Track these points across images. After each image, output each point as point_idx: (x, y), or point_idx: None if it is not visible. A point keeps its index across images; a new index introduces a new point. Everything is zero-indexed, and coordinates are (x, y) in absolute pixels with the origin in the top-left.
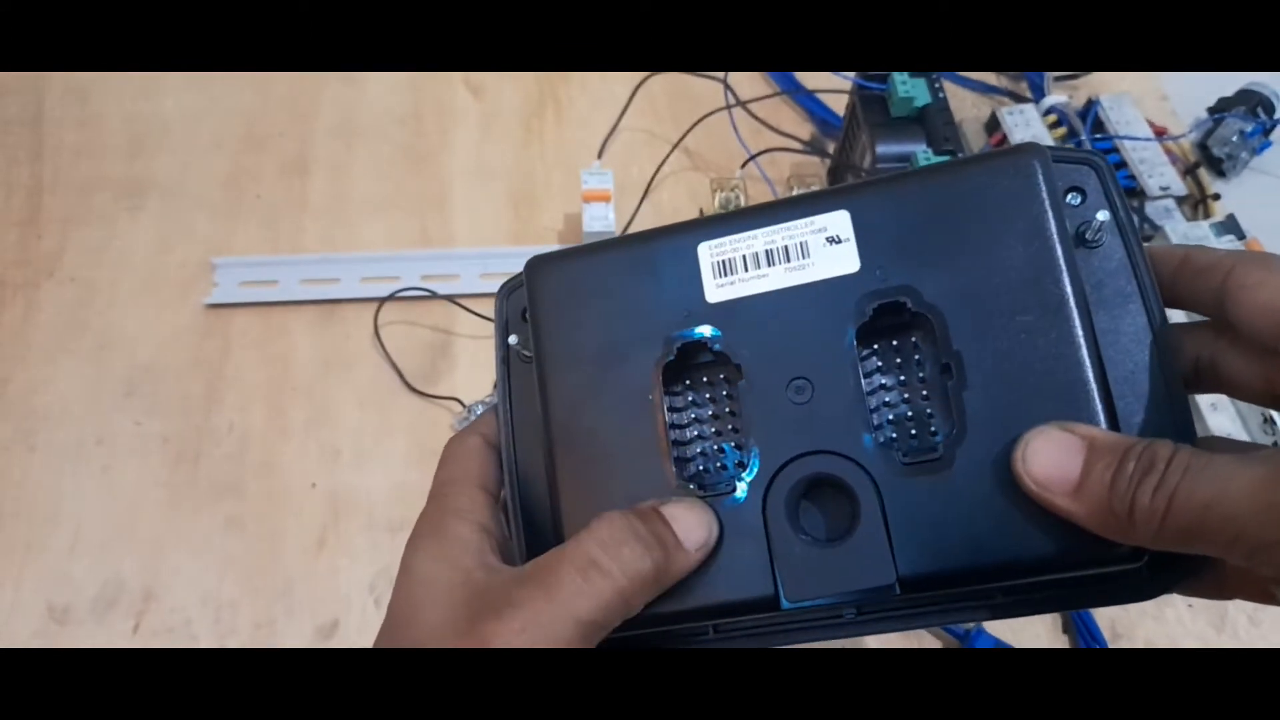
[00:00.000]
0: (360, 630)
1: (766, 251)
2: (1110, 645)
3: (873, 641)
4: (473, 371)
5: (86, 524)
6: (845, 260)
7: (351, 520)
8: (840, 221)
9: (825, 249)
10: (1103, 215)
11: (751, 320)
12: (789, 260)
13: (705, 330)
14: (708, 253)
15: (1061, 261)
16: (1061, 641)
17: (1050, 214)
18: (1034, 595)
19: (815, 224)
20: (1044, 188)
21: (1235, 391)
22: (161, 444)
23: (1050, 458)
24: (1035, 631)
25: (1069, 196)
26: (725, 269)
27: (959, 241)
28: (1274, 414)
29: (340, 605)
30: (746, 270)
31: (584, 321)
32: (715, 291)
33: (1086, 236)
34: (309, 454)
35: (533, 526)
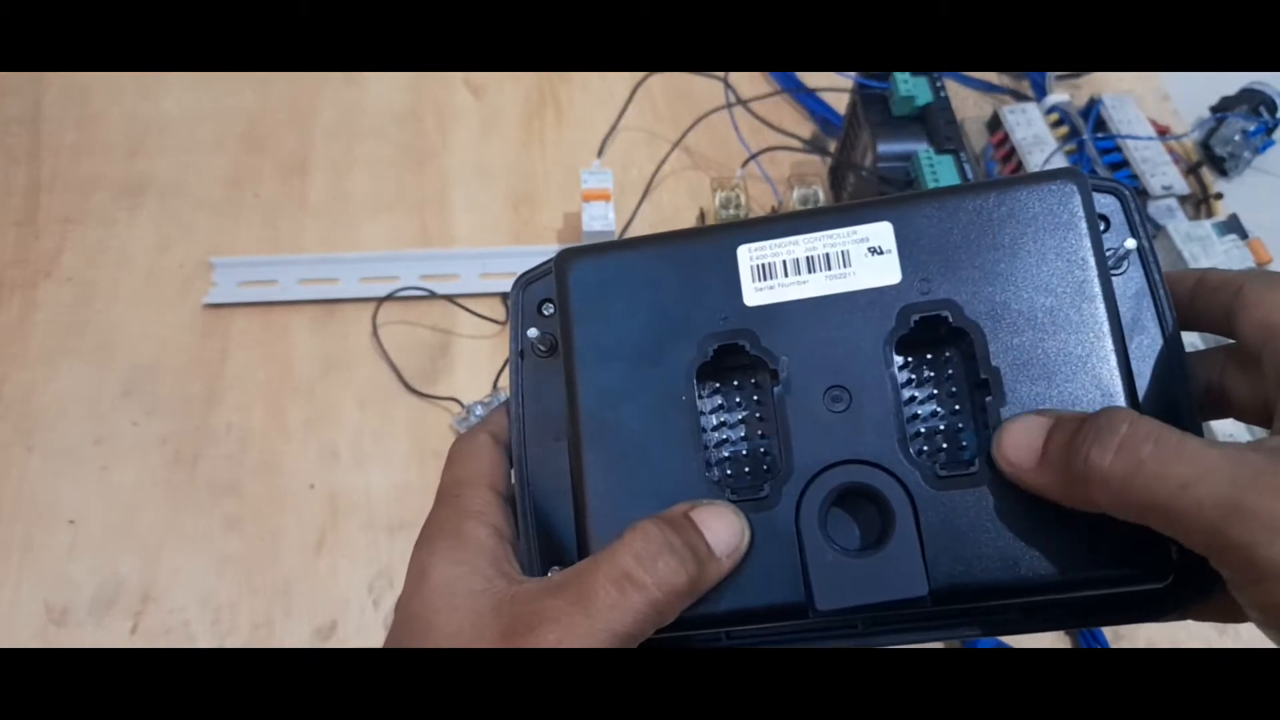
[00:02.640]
0: (359, 631)
1: (808, 258)
2: (1111, 646)
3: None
4: (472, 371)
5: (85, 524)
6: (886, 271)
7: (350, 521)
8: (883, 233)
9: (867, 259)
10: (1130, 243)
11: (790, 326)
12: (829, 268)
13: (742, 333)
14: (747, 255)
15: (1099, 286)
16: (1062, 642)
17: (1090, 239)
18: (1055, 611)
19: (858, 234)
20: (1084, 213)
21: (1238, 413)
22: (160, 444)
23: (1019, 437)
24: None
25: None
26: (765, 273)
27: (1000, 260)
28: None
29: (339, 606)
30: (786, 276)
31: (617, 317)
32: (754, 295)
33: (1110, 263)
34: (308, 454)
35: (544, 526)
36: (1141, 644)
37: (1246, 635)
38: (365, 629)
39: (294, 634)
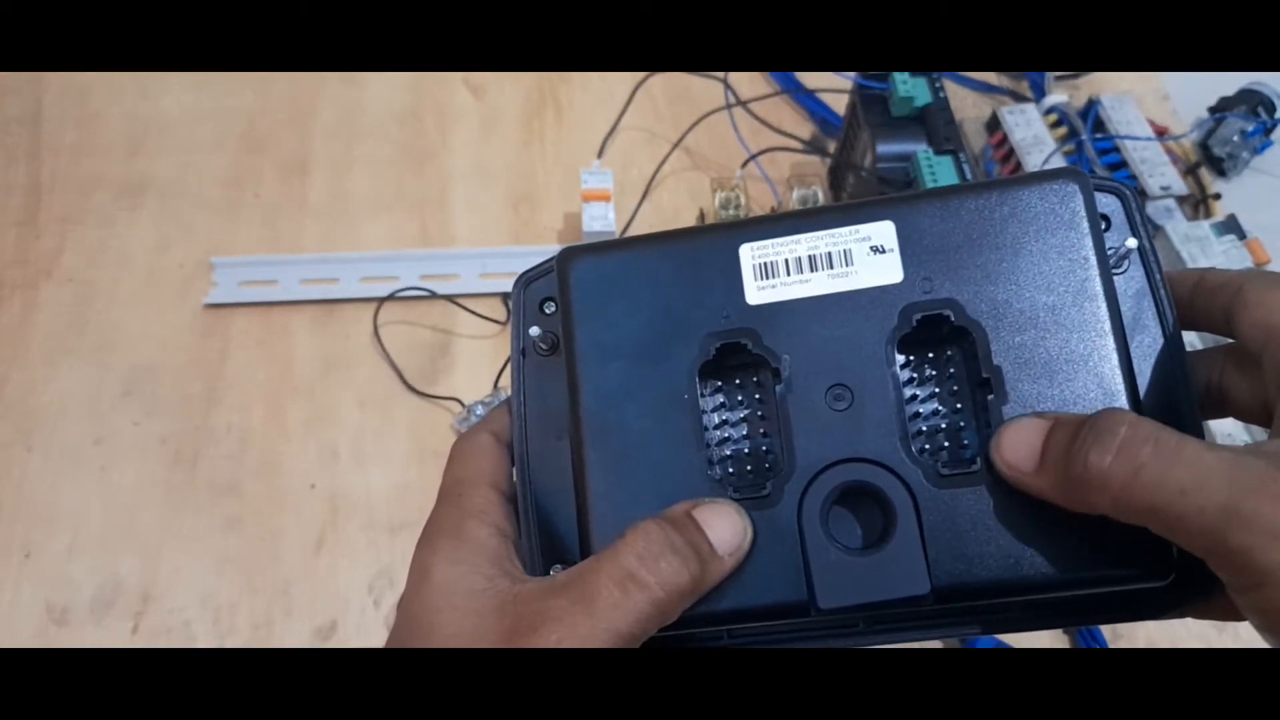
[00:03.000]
0: (359, 631)
1: (810, 257)
2: (1111, 646)
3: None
4: (472, 371)
5: (85, 524)
6: (889, 270)
7: (350, 521)
8: (885, 232)
9: (869, 258)
10: (1131, 243)
11: (792, 325)
12: (832, 267)
13: (745, 332)
14: (749, 254)
15: (1100, 285)
16: (1062, 642)
17: (1091, 239)
18: (1056, 609)
19: (860, 233)
20: (1086, 213)
21: (1238, 413)
22: (160, 444)
23: (1018, 439)
24: (1036, 632)
25: None
26: (767, 271)
27: (1002, 259)
28: None
29: (339, 606)
30: (789, 274)
31: (619, 316)
32: (756, 294)
33: (1111, 262)
34: (308, 454)
35: (546, 525)
36: (1141, 644)
37: (1246, 635)
38: (365, 629)
39: (294, 634)
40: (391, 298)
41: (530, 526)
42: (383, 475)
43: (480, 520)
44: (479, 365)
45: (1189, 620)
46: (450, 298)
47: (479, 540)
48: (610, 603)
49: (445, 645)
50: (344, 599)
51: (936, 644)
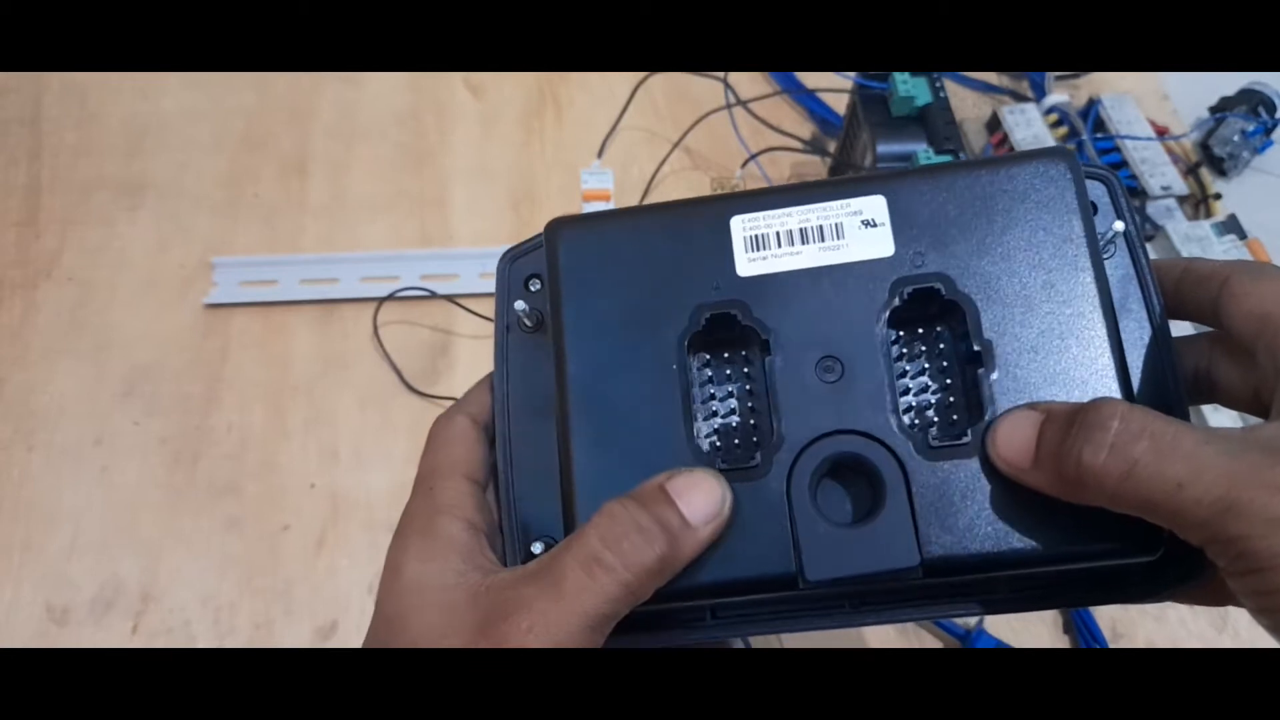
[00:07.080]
0: (359, 631)
1: (801, 230)
2: (1111, 645)
3: (873, 641)
4: (472, 371)
5: (85, 524)
6: (880, 244)
7: (351, 521)
8: (876, 206)
9: (860, 231)
10: (1118, 226)
11: (782, 297)
12: (823, 240)
13: (735, 303)
14: (740, 226)
15: (1090, 262)
16: (1062, 642)
17: (1081, 216)
18: (1046, 587)
19: (851, 206)
20: (1075, 190)
21: (1227, 400)
22: (160, 444)
23: (1013, 434)
24: (1036, 631)
25: None
26: (757, 243)
27: (993, 234)
28: None
29: (339, 606)
30: (779, 247)
31: (608, 287)
32: (746, 266)
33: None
34: (308, 454)
35: (527, 504)
36: (1141, 644)
37: (1246, 635)
38: (365, 629)
39: (294, 634)
40: (391, 298)
41: (510, 506)
42: (382, 475)
43: (451, 515)
44: (479, 365)
45: (1189, 620)
46: (450, 298)
47: (450, 536)
48: (578, 586)
49: (418, 641)
50: (344, 599)
51: (936, 644)
